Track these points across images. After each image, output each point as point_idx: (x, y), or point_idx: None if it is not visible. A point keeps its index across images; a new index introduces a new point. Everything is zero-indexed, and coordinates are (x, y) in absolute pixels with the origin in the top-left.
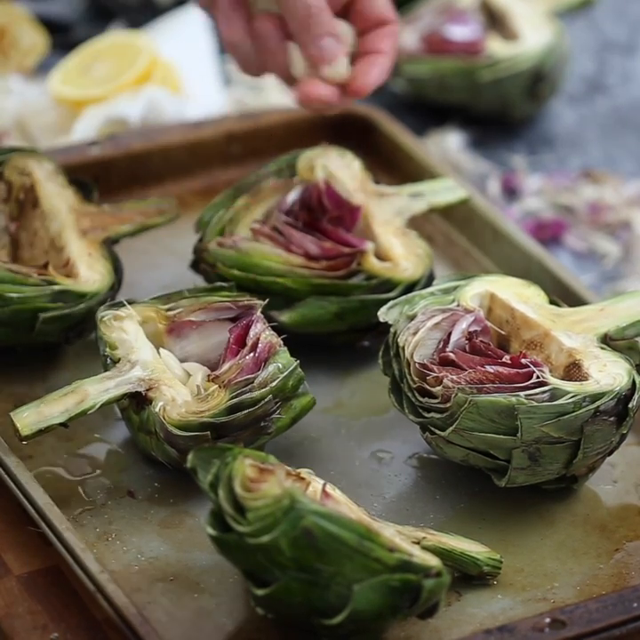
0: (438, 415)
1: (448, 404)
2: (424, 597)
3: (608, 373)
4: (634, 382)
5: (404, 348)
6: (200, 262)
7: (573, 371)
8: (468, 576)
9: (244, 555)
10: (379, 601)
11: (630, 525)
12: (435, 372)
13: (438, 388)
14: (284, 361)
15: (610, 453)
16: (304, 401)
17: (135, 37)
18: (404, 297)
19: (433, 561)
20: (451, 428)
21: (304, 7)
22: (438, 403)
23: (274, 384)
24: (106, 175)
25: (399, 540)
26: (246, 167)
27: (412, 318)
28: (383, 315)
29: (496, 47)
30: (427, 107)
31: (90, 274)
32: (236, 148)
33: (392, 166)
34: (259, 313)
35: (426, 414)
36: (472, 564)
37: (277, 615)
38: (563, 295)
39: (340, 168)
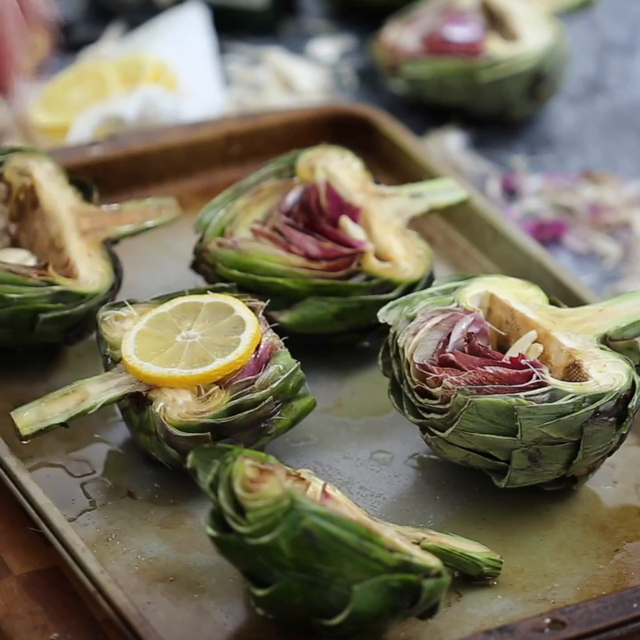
0: (438, 416)
1: (448, 405)
2: (424, 598)
3: (608, 374)
4: (633, 383)
5: (403, 349)
6: (200, 263)
7: (573, 371)
8: (467, 576)
9: (243, 555)
10: (379, 601)
11: (630, 526)
12: (434, 372)
13: (438, 388)
14: (285, 362)
15: (610, 454)
16: (305, 402)
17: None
18: (403, 298)
19: (433, 561)
20: (450, 429)
21: None
22: (438, 404)
23: (274, 385)
24: (106, 175)
25: (399, 540)
26: (246, 167)
27: (411, 319)
28: (383, 316)
29: (496, 48)
30: (427, 107)
31: (90, 274)
32: (236, 149)
33: (392, 166)
34: (260, 314)
35: (426, 415)
36: (472, 564)
37: (277, 616)
38: (563, 296)
39: (339, 168)
